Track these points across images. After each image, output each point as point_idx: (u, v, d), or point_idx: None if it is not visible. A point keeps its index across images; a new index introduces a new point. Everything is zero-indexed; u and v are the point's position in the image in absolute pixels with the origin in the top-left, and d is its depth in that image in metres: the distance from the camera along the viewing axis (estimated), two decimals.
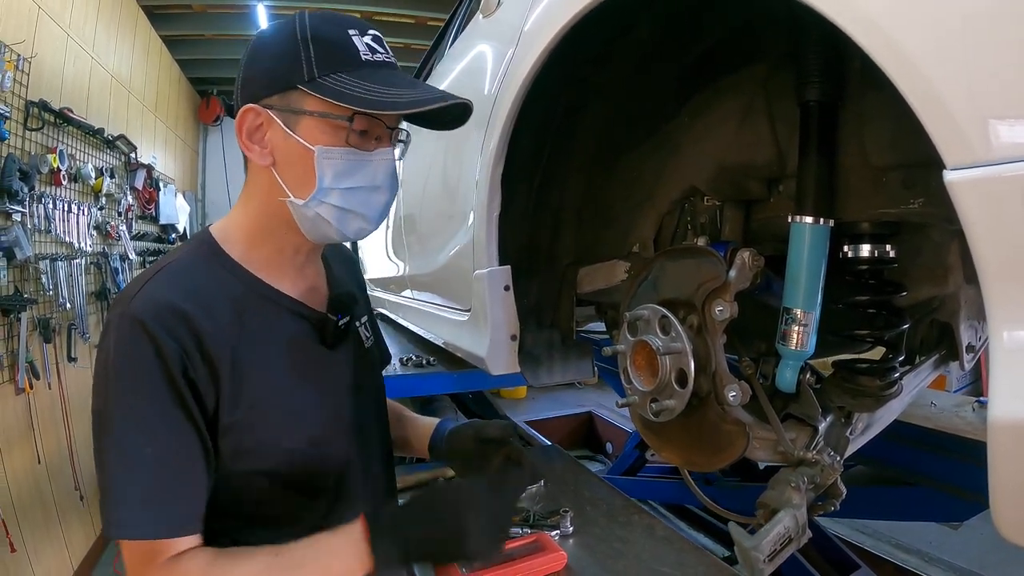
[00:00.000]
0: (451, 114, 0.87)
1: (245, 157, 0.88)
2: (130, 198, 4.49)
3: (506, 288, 1.34)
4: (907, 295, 1.02)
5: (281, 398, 0.87)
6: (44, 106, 3.08)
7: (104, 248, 4.00)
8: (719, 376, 0.88)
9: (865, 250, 0.96)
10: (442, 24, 5.97)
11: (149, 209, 4.96)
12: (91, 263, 3.80)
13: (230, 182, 7.70)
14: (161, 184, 5.22)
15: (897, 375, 0.99)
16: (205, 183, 7.66)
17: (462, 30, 2.48)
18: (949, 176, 0.49)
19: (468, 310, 1.57)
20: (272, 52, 0.84)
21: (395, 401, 1.21)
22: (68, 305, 3.40)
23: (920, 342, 1.20)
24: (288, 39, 0.82)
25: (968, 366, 1.23)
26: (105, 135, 3.86)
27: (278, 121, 0.82)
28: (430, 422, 1.17)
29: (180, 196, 5.84)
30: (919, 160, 0.82)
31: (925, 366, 1.17)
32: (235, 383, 0.81)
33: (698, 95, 1.12)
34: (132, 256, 4.37)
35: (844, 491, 0.91)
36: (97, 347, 0.80)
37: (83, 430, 3.56)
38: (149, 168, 4.84)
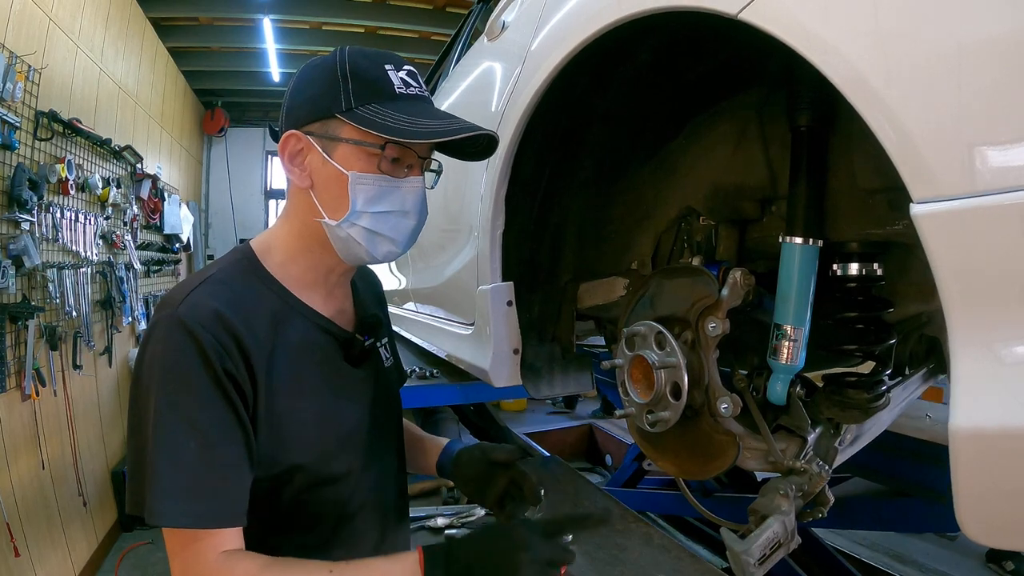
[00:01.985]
0: (478, 145, 0.93)
1: (288, 179, 0.94)
2: (135, 208, 4.54)
3: (509, 303, 1.38)
4: (895, 311, 1.05)
5: (308, 409, 0.91)
6: (54, 116, 3.14)
7: (110, 257, 4.05)
8: (712, 389, 0.91)
9: (853, 268, 1.00)
10: (446, 39, 6.08)
11: (154, 219, 5.01)
12: (97, 272, 3.84)
13: (233, 193, 7.79)
14: (166, 194, 5.27)
15: (884, 388, 1.02)
16: (208, 193, 7.73)
17: (466, 49, 2.53)
18: (915, 209, 0.53)
19: (471, 324, 1.61)
20: (314, 83, 0.90)
21: (404, 419, 1.25)
22: (74, 313, 3.44)
23: (910, 356, 1.24)
24: (329, 72, 0.88)
25: None
26: (112, 145, 3.91)
27: (317, 147, 0.88)
28: (438, 442, 1.21)
29: (184, 206, 5.89)
30: (903, 184, 0.86)
31: (914, 379, 1.20)
32: (268, 390, 0.86)
33: (695, 119, 1.16)
34: (137, 265, 4.42)
35: (831, 499, 0.95)
36: (140, 348, 0.84)
37: (87, 437, 3.59)
38: (154, 179, 4.89)
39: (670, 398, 0.93)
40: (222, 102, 7.32)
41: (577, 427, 6.00)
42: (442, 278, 1.86)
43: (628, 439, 4.43)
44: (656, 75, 1.14)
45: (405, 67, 0.92)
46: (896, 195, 0.88)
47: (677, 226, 1.26)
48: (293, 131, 0.89)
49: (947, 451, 1.59)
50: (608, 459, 5.43)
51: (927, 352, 1.26)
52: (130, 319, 4.29)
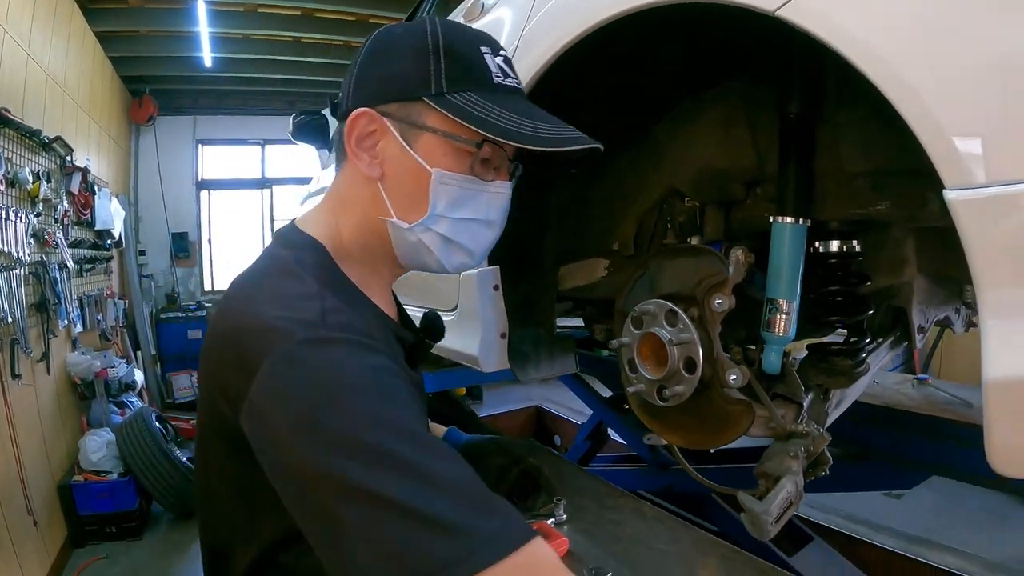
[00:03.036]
0: (578, 155, 0.79)
1: (340, 159, 0.82)
2: (66, 203, 4.31)
3: (496, 288, 1.40)
4: (870, 284, 1.14)
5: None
6: None
7: (42, 257, 3.84)
8: (720, 362, 0.97)
9: (835, 245, 1.09)
10: (386, 22, 5.95)
11: (85, 214, 4.76)
12: (30, 273, 3.64)
13: (164, 185, 7.47)
14: (96, 188, 5.02)
15: (865, 355, 1.11)
16: (138, 186, 7.37)
17: None
18: (948, 195, 0.59)
19: (453, 310, 1.62)
20: (398, 55, 0.76)
21: None
22: (9, 319, 3.26)
23: (878, 326, 1.34)
24: (418, 45, 0.75)
25: (919, 345, 1.37)
26: (42, 137, 3.70)
27: (395, 132, 0.75)
28: (438, 429, 1.16)
29: (114, 200, 5.63)
30: (886, 168, 0.94)
31: (884, 346, 1.30)
32: None
33: (681, 104, 1.21)
34: (70, 264, 4.21)
35: (831, 459, 1.02)
36: (282, 394, 0.62)
37: (30, 451, 3.37)
38: (85, 171, 4.65)
39: (684, 372, 0.99)
40: (150, 89, 6.98)
41: (525, 409, 6.07)
42: None
43: (577, 420, 4.50)
44: (644, 61, 1.17)
45: (501, 52, 0.79)
46: (880, 178, 0.96)
47: (659, 208, 1.31)
48: (367, 109, 0.76)
49: (895, 413, 1.73)
50: (557, 439, 5.54)
51: (893, 322, 1.36)
52: (66, 322, 4.09)
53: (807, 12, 0.68)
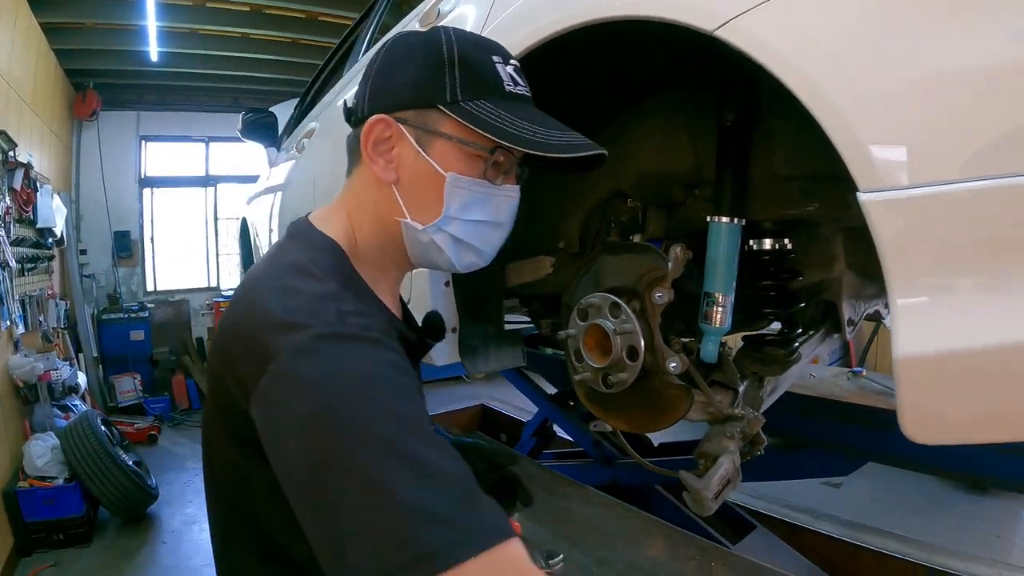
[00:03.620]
0: (585, 160, 0.83)
1: (353, 162, 0.85)
2: (8, 200, 4.17)
3: (447, 284, 1.45)
4: (802, 280, 1.22)
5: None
6: None
7: None
8: (660, 351, 1.04)
9: (768, 243, 1.18)
10: (335, 20, 5.91)
11: (27, 212, 4.61)
12: None
13: (107, 182, 7.24)
14: (38, 185, 4.86)
15: (797, 345, 1.20)
16: (79, 183, 7.14)
17: (377, 34, 2.54)
18: (861, 196, 0.67)
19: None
20: (413, 65, 0.79)
21: None
22: None
23: (809, 318, 1.43)
24: (433, 54, 0.78)
25: (850, 336, 1.47)
26: None
27: (410, 138, 0.78)
28: None
29: (56, 197, 5.45)
30: (815, 172, 1.02)
31: (816, 338, 1.39)
32: None
33: (626, 112, 1.28)
34: (12, 263, 4.06)
35: (766, 440, 1.10)
36: (299, 380, 0.63)
37: None
38: (27, 167, 4.50)
39: (627, 360, 1.05)
40: (94, 83, 6.77)
41: (470, 408, 6.10)
42: None
43: (523, 418, 4.56)
44: (590, 71, 1.24)
45: (512, 61, 0.83)
46: (809, 182, 1.04)
47: (604, 208, 1.38)
48: (383, 116, 0.78)
49: (831, 404, 1.84)
50: (503, 437, 5.59)
51: (823, 315, 1.45)
52: (8, 323, 3.95)
53: (740, 31, 0.76)
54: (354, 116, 0.83)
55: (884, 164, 0.66)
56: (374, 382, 0.64)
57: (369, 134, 0.79)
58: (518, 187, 0.85)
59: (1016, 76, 0.59)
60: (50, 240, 5.25)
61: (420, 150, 0.78)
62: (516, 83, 0.81)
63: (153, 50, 5.85)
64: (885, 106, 0.66)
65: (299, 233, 0.85)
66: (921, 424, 0.68)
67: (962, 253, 0.64)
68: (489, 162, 0.78)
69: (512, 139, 0.75)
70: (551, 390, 3.40)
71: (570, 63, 1.20)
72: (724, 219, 1.04)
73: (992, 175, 0.60)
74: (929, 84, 0.64)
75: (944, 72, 0.63)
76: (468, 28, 1.37)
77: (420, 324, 0.98)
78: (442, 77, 0.77)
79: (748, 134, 1.04)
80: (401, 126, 0.78)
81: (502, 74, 0.80)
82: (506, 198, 0.83)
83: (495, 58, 0.80)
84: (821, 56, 0.71)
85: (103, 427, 4.05)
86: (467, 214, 0.80)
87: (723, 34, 0.77)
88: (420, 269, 1.47)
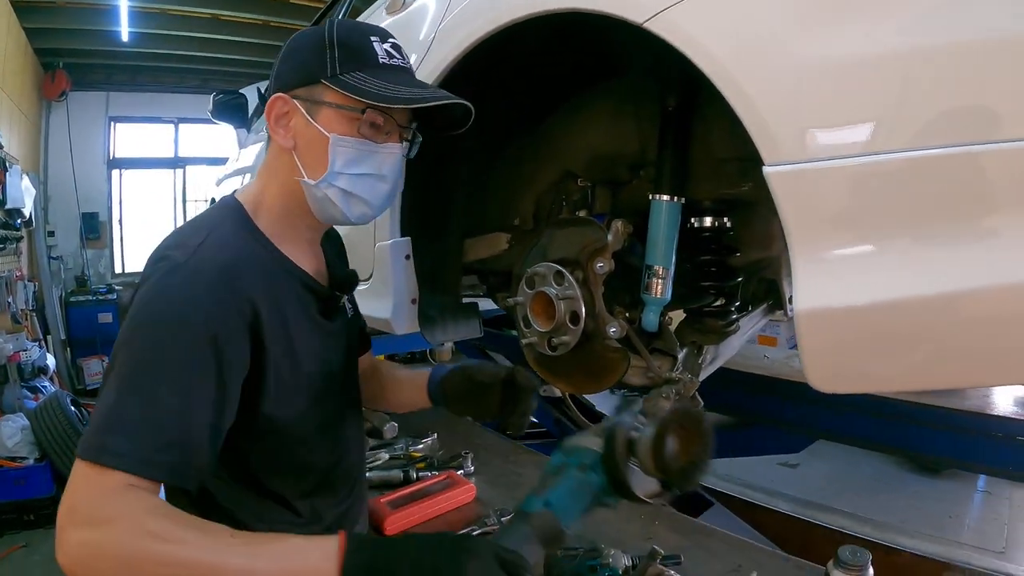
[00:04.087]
0: (454, 116, 0.99)
1: (268, 138, 0.98)
2: None
3: (407, 257, 1.51)
4: (740, 256, 1.30)
5: (302, 358, 0.97)
6: None
7: None
8: (600, 317, 1.11)
9: (708, 221, 1.26)
10: (308, 3, 5.88)
11: None
12: None
13: (75, 163, 7.15)
14: (7, 164, 4.80)
15: (734, 317, 1.28)
16: (47, 164, 7.04)
17: (347, 18, 2.57)
18: (766, 170, 0.75)
19: (367, 279, 1.71)
20: (303, 50, 0.95)
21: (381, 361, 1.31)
22: None
23: (752, 295, 1.52)
24: (317, 40, 0.93)
25: (791, 313, 1.55)
26: None
27: (302, 110, 0.93)
28: (419, 374, 1.29)
29: (25, 177, 5.38)
30: (749, 154, 1.09)
31: (757, 312, 1.48)
32: (271, 341, 0.90)
33: (575, 96, 1.35)
34: None
35: (701, 402, 1.18)
36: (138, 289, 0.85)
37: None
38: None
39: (569, 324, 1.12)
40: (63, 63, 6.67)
41: None
42: None
43: None
44: (539, 59, 1.30)
45: (390, 40, 0.98)
46: (744, 163, 1.11)
47: (556, 187, 1.44)
48: (280, 94, 0.94)
49: (782, 383, 1.95)
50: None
51: (766, 291, 1.54)
52: None
53: (662, 22, 0.85)
54: (264, 99, 0.95)
55: (783, 141, 0.74)
56: (168, 317, 0.81)
57: (271, 110, 0.95)
58: (400, 144, 0.99)
59: (882, 66, 0.69)
60: (18, 221, 5.19)
61: (309, 119, 0.93)
62: (391, 56, 0.96)
63: (124, 30, 5.80)
64: (784, 90, 0.75)
65: (221, 200, 1.02)
66: (820, 373, 0.77)
67: (850, 219, 0.72)
68: (363, 122, 0.92)
69: (374, 98, 0.89)
70: None
71: (525, 51, 1.26)
72: (665, 197, 1.11)
73: (872, 151, 0.68)
74: (821, 72, 0.72)
75: (832, 61, 0.72)
76: (428, 19, 1.43)
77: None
78: (323, 56, 0.92)
79: (687, 118, 1.11)
80: (295, 101, 0.93)
81: (377, 49, 0.95)
82: (388, 155, 0.97)
83: (373, 38, 0.95)
84: (731, 46, 0.79)
85: (73, 407, 4.04)
86: (351, 168, 0.94)
87: (650, 26, 0.85)
88: (381, 243, 1.54)
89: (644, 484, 0.86)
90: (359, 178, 0.95)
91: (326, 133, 0.92)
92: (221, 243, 0.89)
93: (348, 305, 1.17)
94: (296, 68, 0.95)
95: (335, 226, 1.11)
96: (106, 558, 0.70)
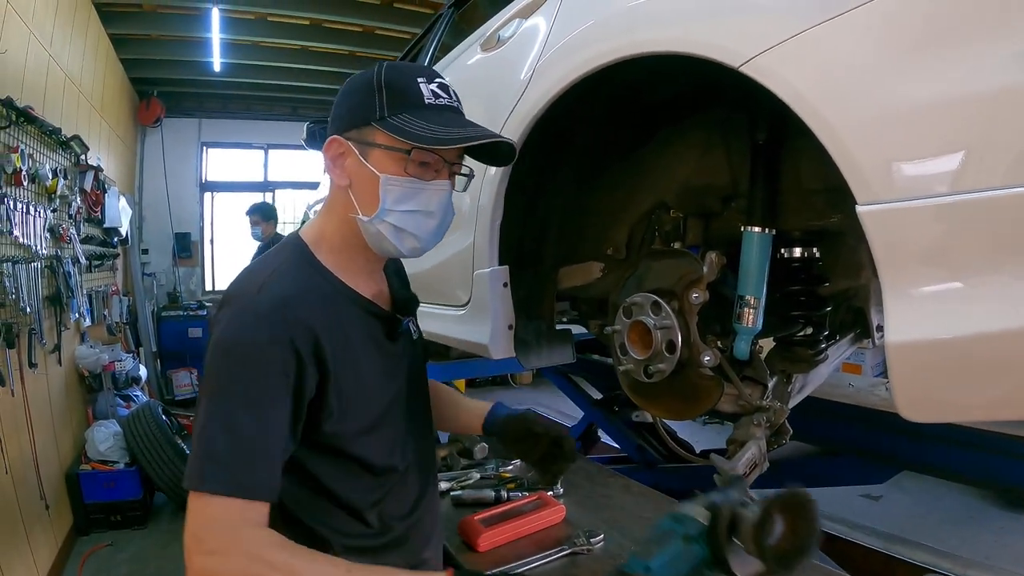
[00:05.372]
0: (501, 151, 1.06)
1: (331, 178, 1.06)
2: (79, 200, 4.44)
3: (505, 285, 1.58)
4: (829, 285, 1.32)
5: (367, 380, 1.03)
6: (9, 104, 3.03)
7: (57, 251, 3.96)
8: (695, 346, 1.15)
9: (797, 252, 1.28)
10: (391, 34, 6.06)
11: (95, 212, 4.90)
12: (45, 266, 3.76)
13: (169, 186, 7.58)
14: (106, 186, 5.15)
15: (823, 346, 1.29)
16: (142, 186, 7.50)
17: (436, 55, 2.69)
18: (859, 208, 0.78)
19: (463, 305, 1.78)
20: (355, 94, 1.02)
21: (438, 382, 1.38)
22: (28, 309, 3.38)
23: (840, 323, 1.51)
24: (367, 84, 1.01)
25: (878, 342, 1.54)
26: (60, 135, 3.84)
27: (355, 151, 1.00)
28: (479, 404, 1.38)
29: (122, 198, 5.76)
30: (838, 186, 1.11)
31: (845, 341, 1.48)
32: (335, 365, 0.97)
33: (664, 130, 1.40)
34: (82, 260, 4.33)
35: (791, 430, 1.20)
36: (214, 337, 0.94)
37: (41, 438, 3.45)
38: (97, 170, 4.79)
39: (665, 353, 1.16)
40: (157, 91, 7.14)
41: None
42: (428, 265, 2.02)
43: (568, 422, 4.66)
44: (634, 93, 1.35)
45: (437, 79, 1.03)
46: (833, 194, 1.13)
47: (648, 218, 1.49)
48: (336, 136, 1.02)
49: (868, 412, 1.92)
50: None
51: (853, 320, 1.54)
52: (76, 316, 4.21)
53: (758, 67, 0.89)
54: (313, 137, 1.05)
55: (875, 180, 0.77)
56: (239, 350, 0.91)
57: (328, 151, 1.03)
58: (448, 181, 1.04)
59: (975, 108, 0.70)
60: (115, 239, 5.54)
61: (362, 159, 1.00)
62: (438, 96, 1.01)
63: (216, 61, 6.14)
64: (875, 131, 0.78)
65: (286, 237, 1.11)
66: (910, 404, 0.79)
67: (940, 256, 0.74)
68: (409, 161, 0.98)
69: (418, 139, 0.95)
70: (596, 395, 3.48)
71: (619, 90, 1.32)
72: (756, 229, 1.14)
73: (962, 190, 0.70)
74: (911, 113, 0.75)
75: (923, 103, 0.74)
76: (529, 56, 1.50)
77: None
78: (372, 99, 0.99)
79: (777, 151, 1.15)
80: (349, 142, 1.01)
81: (424, 90, 1.00)
82: (436, 191, 1.02)
83: (420, 79, 1.01)
84: (823, 88, 0.83)
85: (164, 416, 4.28)
86: (401, 205, 1.00)
87: (746, 70, 0.90)
88: (479, 271, 1.62)
89: (745, 564, 0.86)
90: (408, 214, 1.01)
91: (377, 173, 0.98)
92: (282, 279, 0.97)
93: (412, 327, 1.23)
94: (349, 111, 1.02)
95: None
96: None
